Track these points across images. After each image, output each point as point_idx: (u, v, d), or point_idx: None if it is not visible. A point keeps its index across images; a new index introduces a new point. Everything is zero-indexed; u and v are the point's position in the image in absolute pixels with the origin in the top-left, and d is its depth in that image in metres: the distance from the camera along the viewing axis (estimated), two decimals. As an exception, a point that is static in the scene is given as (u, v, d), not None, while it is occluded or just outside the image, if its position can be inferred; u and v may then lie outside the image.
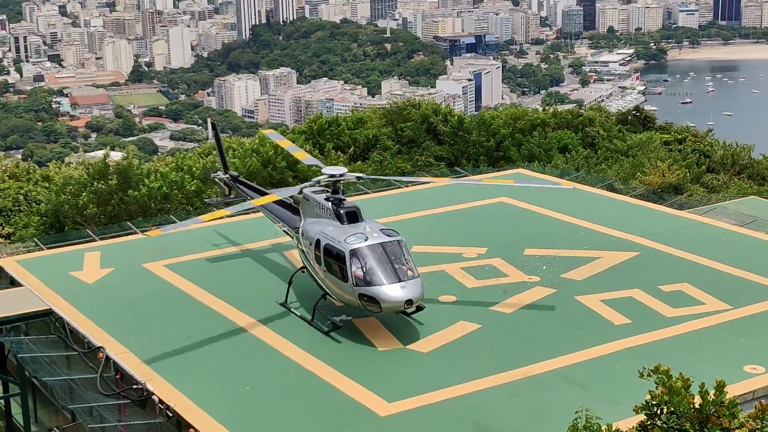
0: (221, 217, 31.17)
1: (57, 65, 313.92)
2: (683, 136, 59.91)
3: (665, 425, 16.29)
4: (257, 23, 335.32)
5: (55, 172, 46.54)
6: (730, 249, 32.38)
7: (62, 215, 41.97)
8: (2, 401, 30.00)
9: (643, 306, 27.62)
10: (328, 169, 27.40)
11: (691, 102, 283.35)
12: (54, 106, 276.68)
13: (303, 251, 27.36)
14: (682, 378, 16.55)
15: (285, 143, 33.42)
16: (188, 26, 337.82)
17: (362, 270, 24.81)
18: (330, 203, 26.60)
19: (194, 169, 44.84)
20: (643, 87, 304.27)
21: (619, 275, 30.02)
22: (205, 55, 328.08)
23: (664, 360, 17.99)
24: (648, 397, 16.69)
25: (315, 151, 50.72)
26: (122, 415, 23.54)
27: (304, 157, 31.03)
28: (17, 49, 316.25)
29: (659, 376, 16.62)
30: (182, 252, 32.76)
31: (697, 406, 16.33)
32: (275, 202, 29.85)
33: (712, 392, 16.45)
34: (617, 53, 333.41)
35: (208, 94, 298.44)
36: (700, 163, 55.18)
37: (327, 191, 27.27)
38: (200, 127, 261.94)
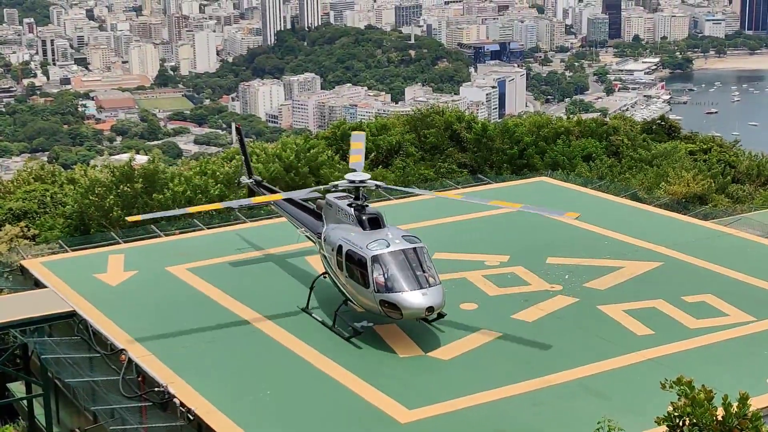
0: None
1: (83, 69, 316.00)
2: (708, 146, 59.58)
3: (687, 437, 16.20)
4: (282, 29, 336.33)
5: (81, 174, 46.80)
6: (754, 260, 32.16)
7: (87, 217, 42.22)
8: (25, 402, 30.19)
9: (666, 317, 27.47)
10: (350, 176, 27.43)
11: (716, 112, 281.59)
12: (80, 109, 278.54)
13: (325, 256, 27.40)
14: (704, 390, 16.45)
15: (357, 145, 31.80)
16: (214, 31, 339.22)
17: (384, 276, 24.82)
18: (353, 209, 26.63)
19: (218, 173, 45.01)
20: (669, 96, 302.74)
21: (642, 285, 29.87)
22: (230, 59, 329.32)
23: (686, 371, 17.89)
24: (670, 408, 16.60)
25: (337, 157, 50.79)
26: (143, 418, 23.64)
27: (356, 160, 29.38)
28: (44, 53, 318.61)
29: (682, 387, 16.53)
30: (205, 256, 32.90)
31: (719, 418, 16.22)
32: (297, 206, 29.99)
33: (735, 404, 16.35)
34: (642, 62, 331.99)
35: (233, 99, 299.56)
36: (725, 173, 54.84)
37: (350, 197, 27.30)
38: (224, 132, 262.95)
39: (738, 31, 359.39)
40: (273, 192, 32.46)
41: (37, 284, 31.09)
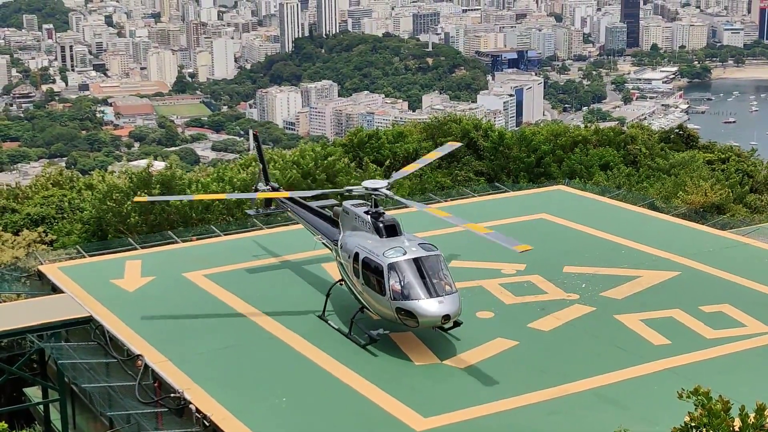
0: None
1: (102, 75, 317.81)
2: (726, 155, 59.31)
3: (704, 448, 16.12)
4: (300, 36, 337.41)
5: (98, 180, 46.98)
6: (772, 271, 31.96)
7: (105, 223, 42.39)
8: (42, 407, 30.32)
9: (683, 326, 27.36)
10: (367, 183, 27.43)
11: (734, 121, 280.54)
12: (98, 115, 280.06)
13: (341, 264, 27.43)
14: (721, 400, 16.37)
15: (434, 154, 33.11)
16: (232, 38, 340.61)
17: (400, 284, 24.81)
18: (369, 216, 26.65)
19: (235, 180, 45.11)
20: (687, 105, 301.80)
21: (659, 295, 29.76)
22: (248, 66, 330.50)
23: (703, 381, 17.80)
24: (687, 418, 16.51)
25: (353, 164, 50.82)
26: (159, 423, 23.70)
27: (433, 156, 32.07)
28: (63, 59, 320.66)
29: (698, 397, 16.44)
30: (222, 262, 32.97)
31: (736, 429, 16.13)
32: (315, 214, 30.04)
33: (752, 415, 16.25)
34: (660, 71, 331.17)
35: (250, 106, 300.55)
36: (744, 183, 54.57)
37: (367, 204, 27.32)
38: (242, 139, 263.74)
39: (757, 41, 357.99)
40: (290, 199, 32.47)
41: (55, 289, 31.24)
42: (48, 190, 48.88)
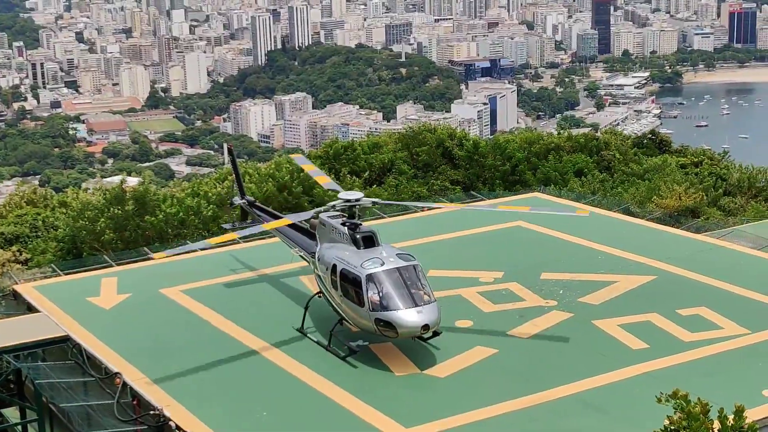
0: (229, 241, 31.33)
1: (74, 91, 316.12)
2: (699, 159, 59.76)
3: (684, 451, 16.18)
4: (273, 48, 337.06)
5: (73, 198, 46.72)
6: (748, 272, 32.20)
7: (79, 241, 42.13)
8: (20, 427, 30.01)
9: (660, 330, 27.48)
10: (344, 194, 27.43)
11: (706, 125, 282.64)
12: (71, 132, 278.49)
13: (319, 276, 27.37)
14: (700, 403, 16.45)
15: (309, 167, 32.78)
16: (204, 52, 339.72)
17: (379, 295, 24.78)
18: (346, 228, 26.61)
19: (210, 194, 44.97)
20: (659, 110, 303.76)
21: (636, 299, 29.89)
22: (221, 80, 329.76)
23: (682, 385, 17.87)
24: (666, 422, 16.59)
25: (331, 176, 50.79)
26: (139, 441, 23.53)
27: (325, 181, 30.77)
28: (34, 76, 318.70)
29: (677, 401, 16.52)
30: (199, 277, 32.82)
31: (716, 431, 16.20)
32: (291, 226, 29.93)
33: (731, 417, 16.34)
34: (632, 76, 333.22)
35: (224, 120, 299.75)
36: (717, 186, 54.98)
37: (343, 216, 27.30)
38: (216, 153, 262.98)
39: (727, 45, 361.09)
40: (268, 213, 32.37)
41: (30, 309, 30.98)
42: (22, 209, 48.58)
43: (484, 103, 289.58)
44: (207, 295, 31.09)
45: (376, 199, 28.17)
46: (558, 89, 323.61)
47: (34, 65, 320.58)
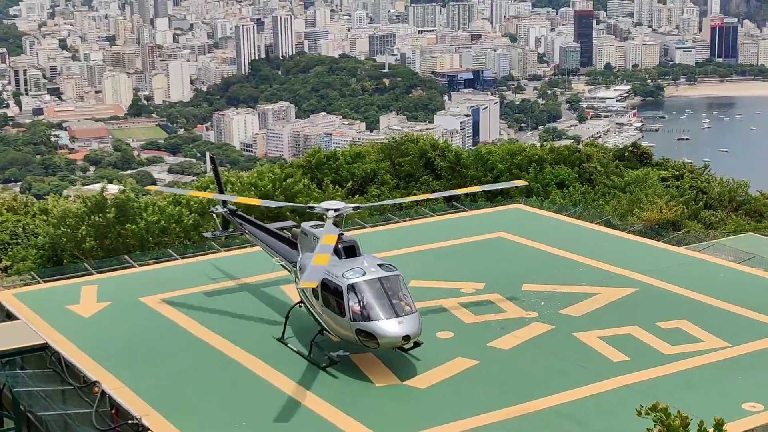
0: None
1: (56, 99, 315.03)
2: (680, 172, 60.07)
3: (664, 464, 16.19)
4: (256, 58, 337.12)
5: (54, 205, 46.50)
6: (728, 286, 32.32)
7: (60, 248, 41.89)
8: (-3, 436, 29.78)
9: (641, 343, 27.53)
10: (326, 204, 27.39)
11: (687, 138, 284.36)
12: (53, 139, 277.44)
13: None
14: (680, 416, 16.48)
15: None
16: (188, 60, 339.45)
17: (359, 305, 24.73)
18: (328, 238, 26.51)
19: (192, 202, 44.82)
20: (640, 123, 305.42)
21: (617, 312, 29.94)
22: (205, 89, 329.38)
23: (662, 398, 17.92)
24: (646, 435, 16.60)
25: (313, 185, 50.73)
26: (117, 451, 23.37)
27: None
28: (17, 83, 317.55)
29: (657, 413, 16.54)
30: (179, 286, 32.67)
31: (695, 444, 16.24)
32: (273, 236, 29.90)
33: (710, 430, 16.37)
34: (614, 89, 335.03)
35: (207, 128, 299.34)
36: (698, 199, 55.25)
37: (320, 224, 27.24)
38: (198, 161, 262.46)
39: (708, 59, 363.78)
40: (248, 221, 32.30)
41: (9, 316, 30.75)
42: (2, 216, 48.29)
43: (467, 115, 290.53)
44: (187, 304, 30.96)
45: (358, 205, 27.94)
46: (540, 101, 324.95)
47: (16, 72, 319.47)
